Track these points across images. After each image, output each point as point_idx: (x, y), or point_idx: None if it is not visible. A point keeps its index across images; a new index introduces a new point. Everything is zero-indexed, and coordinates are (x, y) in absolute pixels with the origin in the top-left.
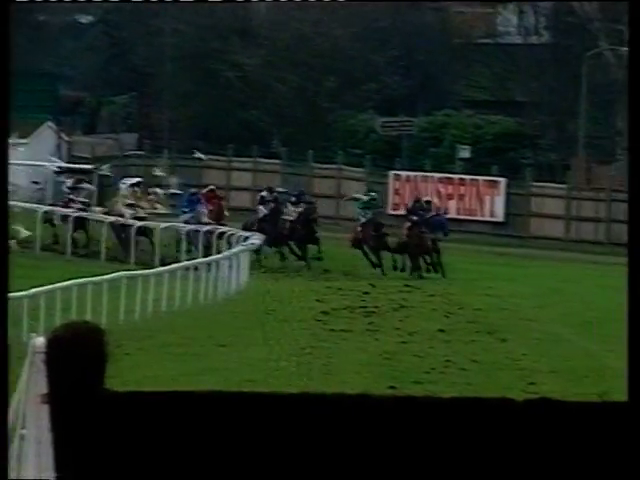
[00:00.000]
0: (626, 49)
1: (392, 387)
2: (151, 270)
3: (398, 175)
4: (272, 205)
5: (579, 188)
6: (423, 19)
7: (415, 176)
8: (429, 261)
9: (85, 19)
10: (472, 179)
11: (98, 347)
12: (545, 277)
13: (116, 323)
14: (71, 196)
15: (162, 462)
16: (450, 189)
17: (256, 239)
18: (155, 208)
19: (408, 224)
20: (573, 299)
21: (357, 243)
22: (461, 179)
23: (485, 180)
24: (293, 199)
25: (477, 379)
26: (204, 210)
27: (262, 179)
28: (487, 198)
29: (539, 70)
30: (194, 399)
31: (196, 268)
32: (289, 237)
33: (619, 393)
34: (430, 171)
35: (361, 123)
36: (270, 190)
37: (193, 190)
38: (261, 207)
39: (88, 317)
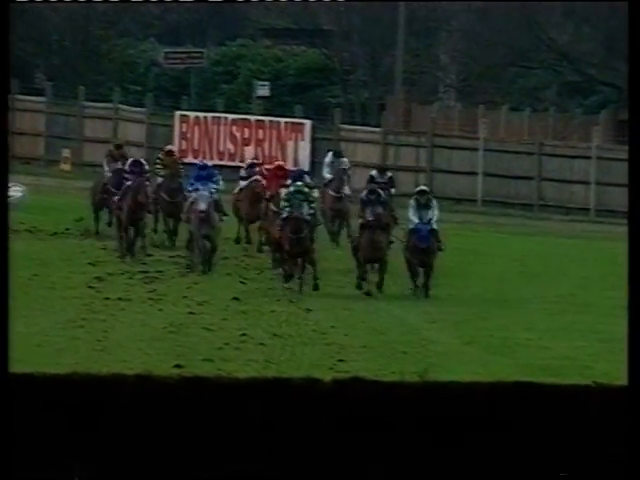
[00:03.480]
0: None
1: (178, 366)
2: None
3: (185, 116)
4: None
5: (396, 132)
6: None
7: (205, 117)
8: None
9: None
10: (272, 121)
11: None
12: None
13: None
14: None
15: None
16: (247, 133)
17: (17, 191)
18: None
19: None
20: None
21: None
22: (259, 121)
23: (287, 122)
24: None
25: (279, 355)
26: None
27: (22, 119)
28: (290, 143)
29: None
30: None
31: None
32: None
33: (442, 371)
34: (223, 111)
35: (141, 54)
36: (381, 170)
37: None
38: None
39: None
